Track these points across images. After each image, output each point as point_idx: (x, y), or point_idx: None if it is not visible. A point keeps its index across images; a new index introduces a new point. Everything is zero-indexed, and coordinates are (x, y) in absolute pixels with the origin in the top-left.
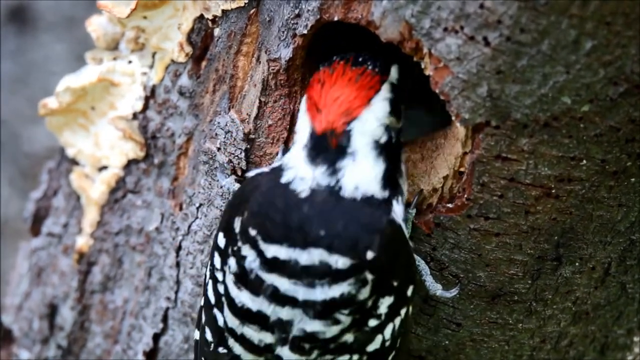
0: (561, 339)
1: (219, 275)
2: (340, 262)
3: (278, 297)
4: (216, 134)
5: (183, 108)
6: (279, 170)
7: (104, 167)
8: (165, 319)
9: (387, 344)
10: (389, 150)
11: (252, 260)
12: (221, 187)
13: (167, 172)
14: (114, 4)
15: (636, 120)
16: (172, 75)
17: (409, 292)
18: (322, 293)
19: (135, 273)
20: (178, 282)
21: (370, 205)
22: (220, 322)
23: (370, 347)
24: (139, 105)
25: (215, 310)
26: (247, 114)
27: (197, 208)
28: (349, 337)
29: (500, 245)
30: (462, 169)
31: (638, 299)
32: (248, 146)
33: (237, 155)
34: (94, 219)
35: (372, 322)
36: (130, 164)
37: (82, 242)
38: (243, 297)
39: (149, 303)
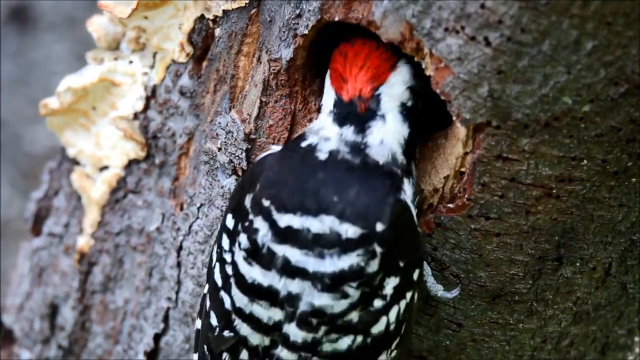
0: (562, 339)
1: (227, 257)
2: (350, 231)
3: (289, 270)
4: (217, 134)
5: (184, 108)
6: (298, 139)
7: (105, 167)
8: (166, 319)
9: (392, 327)
10: (414, 116)
11: (264, 234)
12: (222, 187)
13: (168, 172)
14: (115, 4)
15: (637, 120)
16: (173, 75)
17: (415, 275)
18: (332, 265)
19: (136, 273)
20: (179, 282)
21: (386, 175)
22: (227, 304)
23: (375, 329)
24: (139, 105)
25: (222, 293)
26: (248, 114)
27: (198, 208)
28: (354, 316)
29: (501, 246)
30: (463, 169)
31: (639, 299)
32: (249, 146)
33: (237, 156)
34: (94, 219)
35: (378, 303)
36: (131, 164)
37: (83, 242)
38: (254, 273)
39: (150, 303)
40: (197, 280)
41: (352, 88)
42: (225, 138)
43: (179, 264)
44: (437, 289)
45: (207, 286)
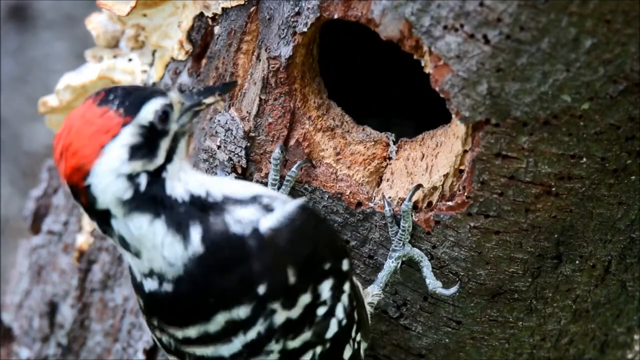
0: (561, 337)
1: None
2: (242, 312)
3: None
4: (216, 132)
5: None
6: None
7: None
8: None
9: (344, 322)
10: (150, 194)
11: (167, 339)
12: None
13: None
14: (114, 2)
15: (636, 118)
16: (172, 73)
17: (344, 266)
18: (240, 341)
19: None
20: None
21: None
22: None
23: (329, 334)
24: None
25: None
26: (247, 111)
27: None
28: (303, 337)
29: (500, 243)
30: (462, 167)
31: (638, 297)
32: (248, 144)
33: (237, 153)
34: None
35: (321, 310)
36: None
37: (82, 240)
38: None
39: None
40: None
41: (63, 174)
42: (224, 136)
43: None
44: (436, 286)
45: None
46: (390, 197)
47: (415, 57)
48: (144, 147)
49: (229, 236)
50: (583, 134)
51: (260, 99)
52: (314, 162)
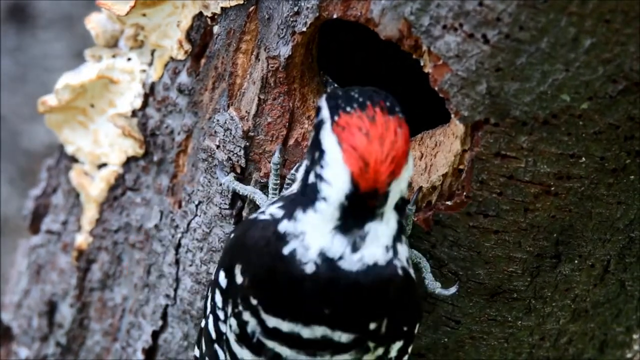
0: (560, 336)
1: (220, 314)
2: (343, 337)
3: None
4: (215, 132)
5: (182, 105)
6: (284, 236)
7: (103, 165)
8: (164, 316)
9: None
10: (402, 210)
11: (254, 325)
12: (220, 185)
13: (166, 170)
14: (113, 2)
15: (635, 117)
16: (171, 73)
17: (417, 329)
18: None
19: (135, 270)
20: (177, 280)
21: (377, 269)
22: (222, 358)
23: None
24: (138, 103)
25: (217, 346)
26: (247, 111)
27: (197, 206)
28: None
29: (499, 243)
30: (461, 167)
31: (637, 296)
32: (247, 144)
33: (236, 153)
34: (93, 217)
35: None
36: (129, 162)
37: (81, 239)
38: (245, 355)
39: (148, 300)
40: (195, 277)
41: (373, 180)
42: (223, 135)
43: (177, 262)
44: (435, 287)
45: (203, 322)
46: None
47: (414, 56)
48: None
49: (395, 272)
50: (582, 133)
51: (260, 99)
52: None
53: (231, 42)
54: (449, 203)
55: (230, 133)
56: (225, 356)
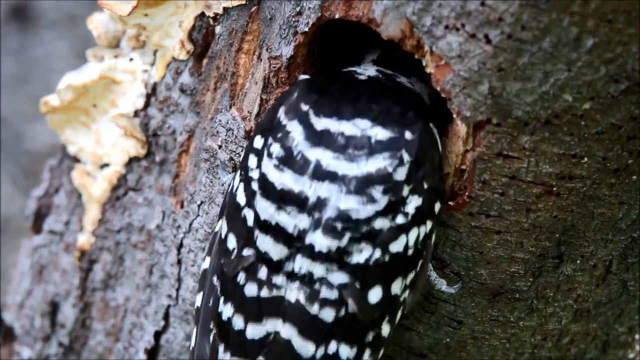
0: (562, 336)
1: (254, 174)
2: (380, 134)
3: (319, 174)
4: (217, 132)
5: (184, 105)
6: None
7: (105, 165)
8: (166, 316)
9: (409, 252)
10: None
11: (298, 140)
12: (222, 185)
13: (168, 170)
14: (115, 2)
15: (637, 117)
16: (174, 73)
17: (436, 207)
18: (360, 167)
19: (137, 271)
20: (179, 280)
21: (417, 97)
22: (250, 221)
23: (393, 247)
24: (140, 103)
25: (246, 210)
26: (249, 111)
27: (199, 206)
28: (377, 224)
29: (501, 243)
30: (463, 167)
31: (639, 296)
32: None
33: (238, 153)
34: (95, 217)
35: (400, 219)
36: (131, 162)
37: (84, 239)
38: (285, 179)
39: (150, 301)
40: (197, 277)
41: None
42: (225, 135)
43: (179, 262)
44: (441, 283)
45: (218, 223)
46: None
47: (416, 56)
48: None
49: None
50: (584, 133)
51: (262, 99)
52: None
53: (233, 42)
54: (451, 203)
55: (233, 133)
56: (256, 213)
